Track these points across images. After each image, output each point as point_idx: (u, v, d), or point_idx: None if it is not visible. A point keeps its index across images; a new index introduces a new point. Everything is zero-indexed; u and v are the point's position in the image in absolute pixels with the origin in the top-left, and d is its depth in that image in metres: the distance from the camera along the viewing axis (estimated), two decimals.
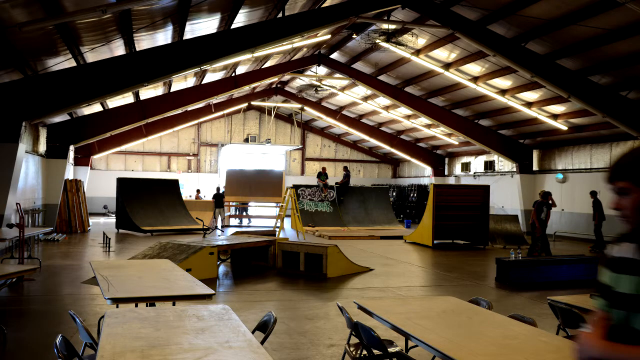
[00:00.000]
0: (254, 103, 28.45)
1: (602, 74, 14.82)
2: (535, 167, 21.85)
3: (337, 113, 28.33)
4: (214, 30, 14.64)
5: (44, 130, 17.41)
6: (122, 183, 19.81)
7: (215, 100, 24.73)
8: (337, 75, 22.07)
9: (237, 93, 25.42)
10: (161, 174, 28.85)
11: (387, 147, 29.82)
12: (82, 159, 24.00)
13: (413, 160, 29.95)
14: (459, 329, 3.95)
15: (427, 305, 4.77)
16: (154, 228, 18.61)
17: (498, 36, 14.59)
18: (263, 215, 24.69)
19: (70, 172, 21.22)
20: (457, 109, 21.64)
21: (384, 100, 23.84)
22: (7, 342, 5.94)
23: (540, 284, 10.13)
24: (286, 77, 23.82)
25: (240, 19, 14.14)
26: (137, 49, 13.85)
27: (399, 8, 14.73)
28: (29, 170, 15.39)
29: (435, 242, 16.18)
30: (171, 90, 21.07)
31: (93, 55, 13.39)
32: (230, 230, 18.74)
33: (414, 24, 15.39)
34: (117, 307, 4.98)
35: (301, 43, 17.83)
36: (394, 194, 30.10)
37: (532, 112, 18.95)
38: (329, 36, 18.52)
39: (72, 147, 20.68)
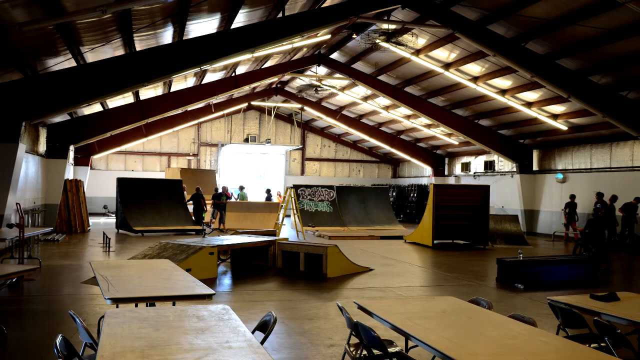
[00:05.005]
0: (254, 103, 28.44)
1: (602, 74, 14.82)
2: (535, 167, 21.85)
3: (337, 113, 28.33)
4: (214, 30, 14.64)
5: (44, 130, 17.41)
6: (121, 183, 19.77)
7: (215, 100, 24.72)
8: (337, 75, 22.06)
9: (237, 93, 25.41)
10: (161, 174, 28.83)
11: (387, 147, 29.80)
12: (82, 159, 23.98)
13: (413, 160, 29.93)
14: (459, 329, 3.95)
15: (427, 306, 4.77)
16: (146, 228, 18.46)
17: (498, 36, 14.59)
18: None
19: (70, 172, 21.21)
20: (457, 109, 21.63)
21: (384, 100, 23.82)
22: (7, 342, 5.94)
23: (540, 283, 10.14)
24: (286, 77, 23.81)
25: (240, 19, 14.14)
26: (137, 49, 13.85)
27: (399, 8, 14.74)
28: (29, 170, 15.38)
29: (435, 242, 16.18)
30: (171, 90, 21.05)
31: (93, 55, 13.38)
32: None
33: (414, 24, 15.39)
34: (117, 307, 4.98)
35: (301, 43, 17.83)
36: (393, 194, 30.10)
37: (532, 112, 18.94)
38: (329, 36, 18.52)
39: (72, 147, 20.68)
